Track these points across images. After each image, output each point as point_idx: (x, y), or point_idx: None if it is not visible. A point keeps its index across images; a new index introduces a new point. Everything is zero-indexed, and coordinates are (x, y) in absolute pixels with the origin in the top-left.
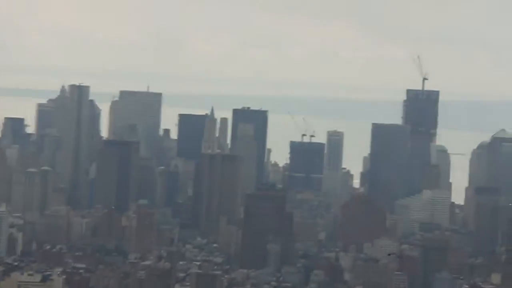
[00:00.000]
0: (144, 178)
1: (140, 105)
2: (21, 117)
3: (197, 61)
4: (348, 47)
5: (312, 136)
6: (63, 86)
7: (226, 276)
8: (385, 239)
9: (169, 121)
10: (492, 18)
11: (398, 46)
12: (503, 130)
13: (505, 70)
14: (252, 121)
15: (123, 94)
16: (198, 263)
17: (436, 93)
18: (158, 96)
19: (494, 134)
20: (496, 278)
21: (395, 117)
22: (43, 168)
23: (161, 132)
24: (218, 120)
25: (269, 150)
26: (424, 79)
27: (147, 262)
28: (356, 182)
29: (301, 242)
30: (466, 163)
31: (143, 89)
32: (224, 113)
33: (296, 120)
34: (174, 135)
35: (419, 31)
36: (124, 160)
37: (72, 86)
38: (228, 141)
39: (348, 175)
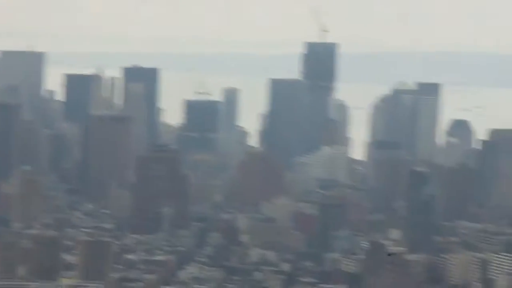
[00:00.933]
0: (28, 143)
1: (22, 66)
2: None
3: (86, 19)
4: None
5: (207, 93)
6: None
7: (116, 242)
8: (283, 198)
9: (54, 82)
10: None
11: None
12: (403, 82)
13: (405, 21)
14: (143, 79)
15: (4, 54)
16: (87, 230)
17: (335, 46)
18: (41, 56)
19: (394, 86)
20: (395, 233)
21: (294, 72)
22: None
23: (45, 94)
24: (108, 80)
25: (161, 110)
26: (323, 31)
27: (32, 231)
28: (253, 141)
29: (196, 205)
30: (366, 117)
31: (26, 48)
32: (113, 72)
33: (191, 77)
34: (60, 96)
35: None
36: (4, 124)
37: None
38: (120, 101)
39: (245, 134)
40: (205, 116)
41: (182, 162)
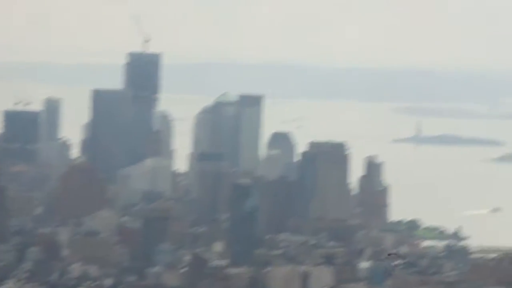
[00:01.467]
0: None
1: None
2: None
3: None
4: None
5: (26, 103)
6: None
7: None
8: (106, 211)
9: None
10: None
11: (121, 7)
12: (226, 93)
13: (227, 33)
14: None
15: None
16: None
17: (158, 56)
18: None
19: (217, 98)
20: (218, 246)
21: (117, 82)
22: None
23: None
24: None
25: None
26: (146, 41)
27: None
28: (76, 152)
29: (16, 218)
30: (189, 129)
31: None
32: None
33: (10, 87)
34: None
35: None
36: None
37: None
38: None
39: (67, 145)
40: (25, 126)
41: (1, 174)
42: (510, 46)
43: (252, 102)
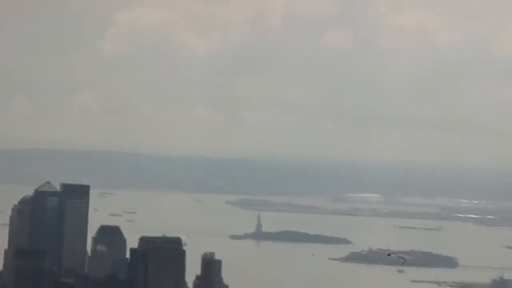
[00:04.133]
0: None
1: None
2: None
3: None
4: None
5: None
6: None
7: None
8: None
9: None
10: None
11: None
12: (47, 182)
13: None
14: None
15: None
16: None
17: None
18: None
19: (38, 188)
20: None
21: None
22: None
23: None
24: None
25: None
26: None
27: None
28: None
29: None
30: (6, 222)
31: None
32: None
33: None
34: None
35: None
36: None
37: None
38: None
39: None
40: None
41: None
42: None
43: (77, 192)
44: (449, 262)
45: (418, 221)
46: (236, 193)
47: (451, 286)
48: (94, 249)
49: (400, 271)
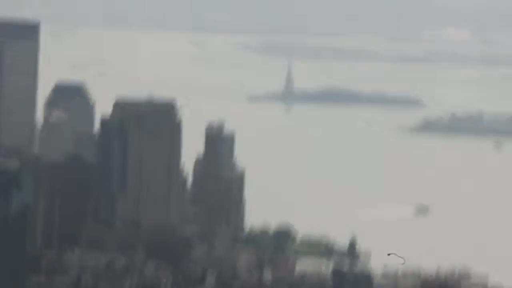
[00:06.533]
0: None
1: None
2: None
3: None
4: None
5: None
6: None
7: None
8: None
9: None
10: None
11: None
12: None
13: None
14: None
15: None
16: None
17: None
18: None
19: None
20: None
21: None
22: None
23: None
24: None
25: None
26: None
27: None
28: None
29: None
30: None
31: None
32: None
33: None
34: None
35: None
36: None
37: None
38: None
39: None
40: None
41: None
42: None
43: (20, 32)
44: None
45: None
46: (250, 31)
47: None
48: (47, 118)
49: (497, 146)
